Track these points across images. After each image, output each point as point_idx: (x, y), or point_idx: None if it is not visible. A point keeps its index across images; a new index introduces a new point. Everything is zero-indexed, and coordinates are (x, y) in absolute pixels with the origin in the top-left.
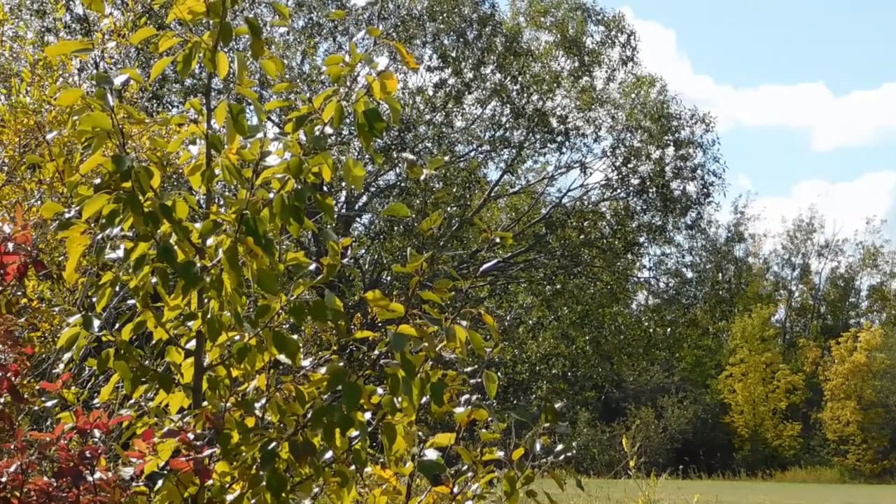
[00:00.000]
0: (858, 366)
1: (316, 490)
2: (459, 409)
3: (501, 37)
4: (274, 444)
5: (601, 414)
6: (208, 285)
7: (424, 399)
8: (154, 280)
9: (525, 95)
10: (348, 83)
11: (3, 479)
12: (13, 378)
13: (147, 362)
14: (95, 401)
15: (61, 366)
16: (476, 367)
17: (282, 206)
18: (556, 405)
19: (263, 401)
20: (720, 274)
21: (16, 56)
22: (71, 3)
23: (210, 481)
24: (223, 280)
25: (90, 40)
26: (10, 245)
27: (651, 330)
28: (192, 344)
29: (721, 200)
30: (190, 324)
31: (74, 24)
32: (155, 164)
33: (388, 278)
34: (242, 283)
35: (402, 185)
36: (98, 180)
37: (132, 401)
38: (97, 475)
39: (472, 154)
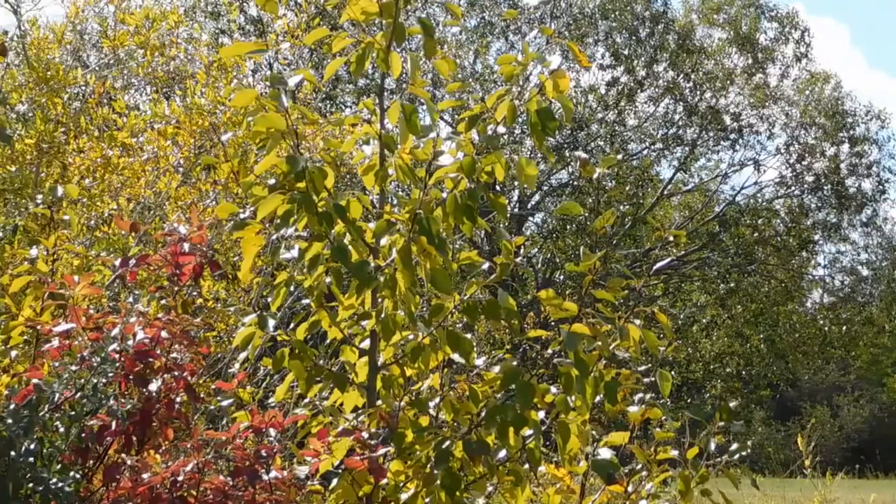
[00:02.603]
0: None
1: (490, 489)
2: (633, 408)
3: (674, 34)
4: (448, 442)
5: (776, 412)
6: (382, 285)
7: (598, 398)
8: (328, 280)
9: (698, 93)
10: (521, 82)
11: (181, 478)
12: (190, 377)
13: (321, 361)
14: (270, 400)
15: (237, 365)
16: (650, 365)
17: (455, 205)
18: (731, 404)
19: (437, 400)
20: None
21: (191, 58)
22: (245, 4)
23: (384, 480)
24: (397, 279)
25: (264, 41)
26: (186, 246)
27: (826, 328)
28: (366, 343)
29: None
30: (364, 323)
31: (248, 25)
32: (329, 165)
33: (561, 277)
34: (416, 282)
35: (575, 183)
36: (272, 181)
37: (307, 400)
38: (273, 474)
39: (645, 152)
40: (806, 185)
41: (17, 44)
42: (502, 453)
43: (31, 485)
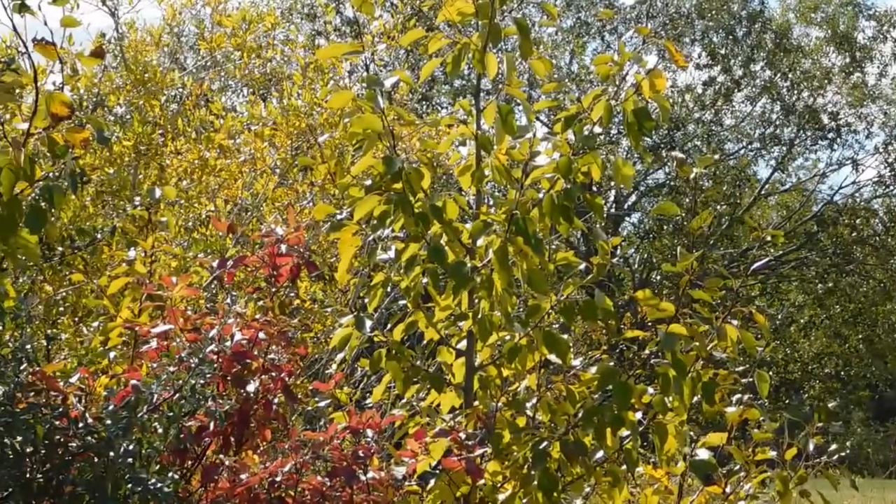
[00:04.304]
0: None
1: (587, 489)
2: (731, 409)
3: (771, 33)
4: (545, 443)
5: (875, 413)
6: (479, 285)
7: (695, 398)
8: (425, 280)
9: (795, 92)
10: (617, 82)
11: (279, 479)
12: (287, 378)
13: (418, 362)
14: (368, 401)
15: (334, 366)
16: (747, 366)
17: (551, 205)
18: (830, 404)
19: (534, 400)
20: None
21: (287, 59)
22: (341, 6)
23: (482, 481)
24: (493, 280)
25: (360, 43)
26: (284, 247)
27: None
28: (462, 344)
29: None
30: (461, 324)
31: (344, 26)
32: (425, 166)
33: (658, 277)
34: (512, 282)
35: (672, 183)
36: (369, 182)
37: (404, 400)
38: (370, 474)
39: (742, 152)
40: None
41: (114, 46)
42: (599, 454)
43: (129, 485)
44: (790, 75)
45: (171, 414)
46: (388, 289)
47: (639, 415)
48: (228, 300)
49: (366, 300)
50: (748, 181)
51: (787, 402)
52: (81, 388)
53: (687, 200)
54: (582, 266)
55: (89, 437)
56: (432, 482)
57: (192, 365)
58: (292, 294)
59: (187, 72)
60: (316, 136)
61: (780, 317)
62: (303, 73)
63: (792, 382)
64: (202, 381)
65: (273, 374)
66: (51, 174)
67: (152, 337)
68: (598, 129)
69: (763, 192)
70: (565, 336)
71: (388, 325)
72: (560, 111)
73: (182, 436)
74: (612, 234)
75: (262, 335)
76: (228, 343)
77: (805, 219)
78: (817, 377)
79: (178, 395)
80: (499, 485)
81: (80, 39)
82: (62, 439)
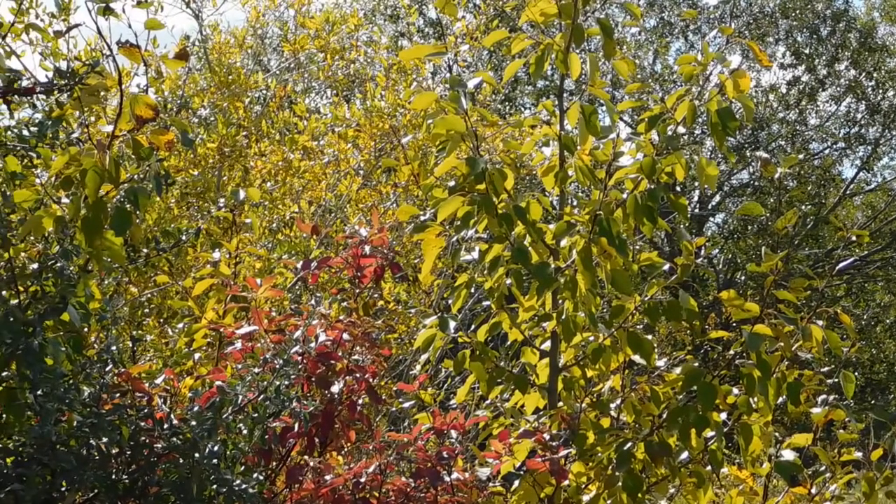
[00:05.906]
0: None
1: (672, 490)
2: (816, 410)
3: (855, 32)
4: (630, 444)
5: None
6: (562, 286)
7: (780, 399)
8: (508, 281)
9: (880, 91)
10: (701, 82)
11: (363, 480)
12: (371, 379)
13: (502, 363)
14: (452, 402)
15: (418, 367)
16: (833, 366)
17: (635, 206)
18: None
19: (618, 401)
20: None
21: (370, 61)
22: (424, 7)
23: (566, 482)
24: (577, 281)
25: (443, 44)
26: (367, 248)
27: None
28: (546, 344)
29: None
30: (545, 325)
31: (427, 28)
32: (508, 166)
33: (743, 278)
34: (596, 283)
35: (756, 183)
36: (452, 183)
37: (488, 401)
38: (454, 475)
39: (827, 151)
40: None
41: (198, 49)
42: (684, 455)
43: (215, 486)
44: (875, 74)
45: (256, 415)
46: (472, 290)
47: (724, 415)
48: (313, 301)
49: (449, 301)
50: (833, 181)
51: (872, 402)
52: (167, 389)
53: (771, 200)
54: (666, 266)
55: (174, 438)
56: (516, 483)
57: (277, 366)
58: (376, 295)
59: (271, 73)
60: (399, 137)
61: (865, 317)
62: (386, 75)
63: (878, 383)
64: (287, 383)
65: (357, 375)
66: (136, 176)
67: (237, 338)
68: (681, 130)
69: (848, 192)
70: (649, 337)
71: (472, 326)
72: (643, 111)
73: (267, 437)
74: (697, 235)
75: (346, 336)
76: (313, 344)
77: (890, 218)
78: None
79: (262, 396)
80: (583, 486)
81: (165, 42)
82: (147, 440)
